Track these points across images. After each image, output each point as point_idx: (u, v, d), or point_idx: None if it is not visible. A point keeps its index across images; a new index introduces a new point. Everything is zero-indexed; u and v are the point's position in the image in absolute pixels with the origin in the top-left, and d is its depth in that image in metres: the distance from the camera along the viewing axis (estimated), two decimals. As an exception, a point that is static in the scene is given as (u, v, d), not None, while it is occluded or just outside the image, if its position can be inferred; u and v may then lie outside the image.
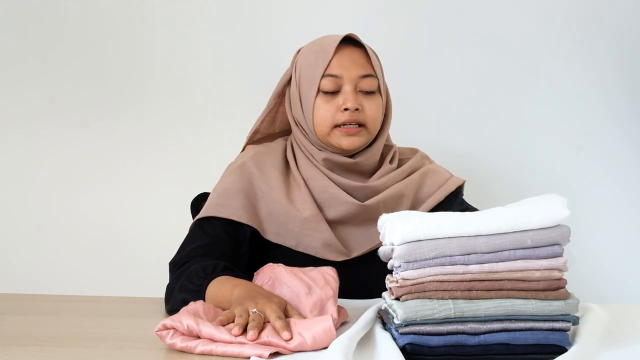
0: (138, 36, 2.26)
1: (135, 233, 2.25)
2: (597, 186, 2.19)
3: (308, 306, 1.23)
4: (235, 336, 1.12)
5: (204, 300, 1.32)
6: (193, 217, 1.68)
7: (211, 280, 1.33)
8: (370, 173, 1.58)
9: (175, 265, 1.46)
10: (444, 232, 1.10)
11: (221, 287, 1.31)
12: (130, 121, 2.26)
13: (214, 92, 2.25)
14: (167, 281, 1.47)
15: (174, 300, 1.37)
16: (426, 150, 1.73)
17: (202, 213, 1.53)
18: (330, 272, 1.31)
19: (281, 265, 1.34)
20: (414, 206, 1.59)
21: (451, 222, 1.10)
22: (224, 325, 1.15)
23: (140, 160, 2.26)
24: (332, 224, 1.53)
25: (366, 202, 1.52)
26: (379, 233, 1.51)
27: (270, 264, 1.37)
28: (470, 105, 2.21)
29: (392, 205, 1.56)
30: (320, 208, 1.52)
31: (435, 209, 1.59)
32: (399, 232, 1.10)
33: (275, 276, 1.32)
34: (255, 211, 1.53)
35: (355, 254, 1.53)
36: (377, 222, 1.51)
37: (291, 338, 1.11)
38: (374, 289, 1.38)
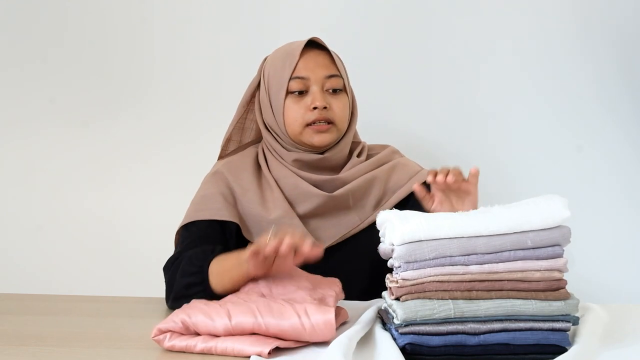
0: (138, 36, 2.25)
1: (135, 233, 2.24)
2: (597, 186, 2.19)
3: (308, 296, 1.22)
4: (287, 246, 1.19)
5: (208, 279, 1.35)
6: None
7: (212, 259, 1.37)
8: (339, 168, 1.63)
9: (170, 265, 1.48)
10: (444, 233, 1.10)
11: (225, 260, 1.36)
12: (131, 121, 2.26)
13: (214, 92, 2.24)
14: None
15: (177, 287, 1.39)
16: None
17: (184, 220, 1.58)
18: (337, 282, 1.32)
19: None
20: (383, 196, 1.63)
21: (451, 222, 1.10)
22: (257, 255, 1.23)
23: (140, 160, 2.26)
24: (304, 218, 1.57)
25: (334, 193, 1.57)
26: (349, 222, 1.54)
27: None
28: (469, 105, 2.21)
29: (360, 195, 1.61)
30: (291, 205, 1.57)
31: (406, 200, 1.62)
32: (399, 232, 1.10)
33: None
34: (235, 210, 1.57)
35: (327, 244, 1.56)
36: (345, 211, 1.55)
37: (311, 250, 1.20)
38: (348, 275, 1.41)
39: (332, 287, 1.28)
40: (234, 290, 1.33)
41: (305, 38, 1.62)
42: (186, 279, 1.38)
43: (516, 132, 2.22)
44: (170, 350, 1.14)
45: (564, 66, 2.19)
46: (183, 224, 1.57)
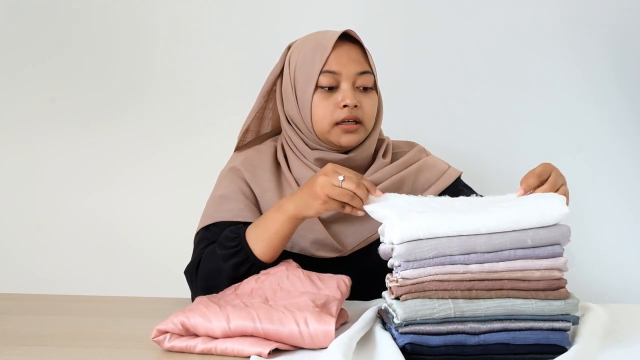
0: (139, 36, 2.25)
1: (136, 233, 2.25)
2: (596, 186, 2.19)
3: (311, 300, 1.21)
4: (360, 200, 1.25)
5: (250, 248, 1.35)
6: None
7: (245, 232, 1.37)
8: (364, 168, 1.56)
9: (193, 267, 1.43)
10: (443, 231, 1.10)
11: (261, 222, 1.37)
12: (132, 121, 2.26)
13: (215, 91, 2.25)
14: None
15: (227, 272, 1.36)
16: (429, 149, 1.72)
17: (205, 221, 1.50)
18: (345, 280, 1.30)
19: (300, 268, 1.34)
20: None
21: (451, 221, 1.10)
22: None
23: (141, 160, 2.26)
24: (327, 222, 1.51)
25: None
26: (372, 227, 1.49)
27: (290, 260, 1.38)
28: (468, 105, 2.21)
29: None
30: None
31: None
32: (398, 230, 1.10)
33: (290, 271, 1.31)
34: (257, 210, 1.52)
35: (350, 249, 1.51)
36: (370, 217, 1.47)
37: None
38: (371, 282, 1.38)
39: (340, 286, 1.27)
40: (283, 247, 1.37)
41: (339, 29, 1.52)
42: (232, 260, 1.35)
43: (515, 133, 2.22)
44: (170, 351, 1.14)
45: (563, 67, 2.20)
46: (204, 225, 1.50)
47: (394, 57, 2.19)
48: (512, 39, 2.20)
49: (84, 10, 2.26)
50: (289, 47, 1.60)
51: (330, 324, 1.11)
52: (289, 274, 1.29)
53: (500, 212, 1.12)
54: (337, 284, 1.27)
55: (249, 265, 1.35)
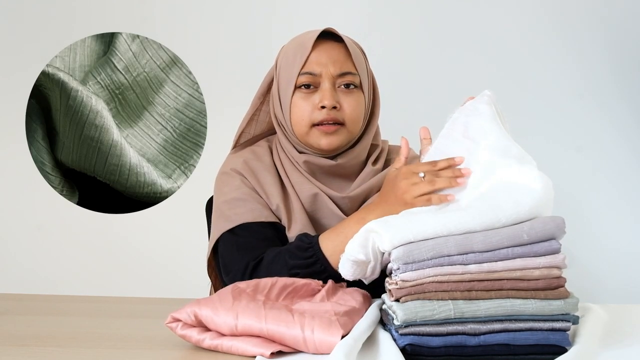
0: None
1: (136, 233, 2.25)
2: (596, 186, 2.20)
3: (332, 308, 1.19)
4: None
5: (327, 260, 1.29)
6: (208, 218, 1.66)
7: (318, 242, 1.30)
8: (355, 174, 1.52)
9: (246, 274, 1.36)
10: (431, 224, 1.10)
11: (340, 232, 1.29)
12: (131, 121, 2.26)
13: (215, 90, 2.25)
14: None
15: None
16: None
17: (225, 225, 1.45)
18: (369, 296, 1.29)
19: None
20: None
21: (434, 217, 1.11)
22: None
23: (140, 160, 2.26)
24: (322, 229, 1.47)
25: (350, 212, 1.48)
26: None
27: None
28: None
29: None
30: (308, 214, 1.48)
31: None
32: (386, 237, 1.10)
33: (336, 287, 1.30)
34: (272, 211, 1.48)
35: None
36: None
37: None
38: (367, 288, 1.37)
39: (365, 303, 1.25)
40: None
41: (320, 28, 1.48)
42: (308, 269, 1.29)
43: (515, 133, 2.22)
44: (170, 350, 1.14)
45: (563, 68, 2.20)
46: (227, 228, 1.43)
47: (390, 58, 2.19)
48: (512, 39, 2.20)
49: (83, 10, 2.26)
50: (282, 49, 1.57)
51: (337, 336, 1.09)
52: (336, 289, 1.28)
53: (481, 211, 1.12)
54: (363, 303, 1.24)
55: (325, 277, 1.30)
